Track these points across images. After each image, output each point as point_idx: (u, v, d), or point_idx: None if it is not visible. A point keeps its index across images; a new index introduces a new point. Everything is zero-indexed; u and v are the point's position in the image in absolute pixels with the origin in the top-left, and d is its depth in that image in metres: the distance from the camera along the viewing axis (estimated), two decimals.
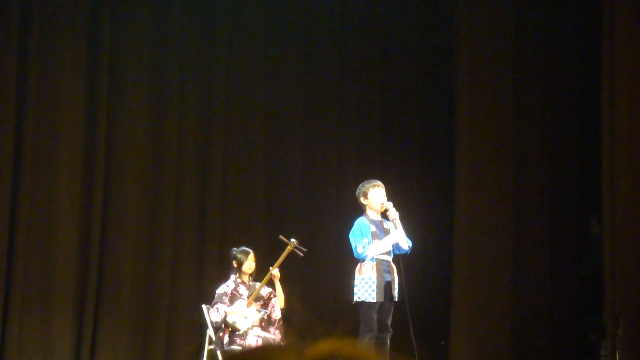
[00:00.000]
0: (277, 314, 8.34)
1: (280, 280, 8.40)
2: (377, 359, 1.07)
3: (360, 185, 7.90)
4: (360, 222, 7.75)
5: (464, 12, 9.84)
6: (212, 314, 8.24)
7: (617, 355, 8.09)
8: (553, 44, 9.89)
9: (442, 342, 9.83)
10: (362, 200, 7.82)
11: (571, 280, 9.70)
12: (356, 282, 7.63)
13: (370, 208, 7.79)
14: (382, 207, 7.74)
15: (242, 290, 8.35)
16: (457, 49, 9.89)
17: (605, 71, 8.57)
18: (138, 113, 10.00)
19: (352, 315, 7.87)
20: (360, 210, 7.91)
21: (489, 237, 9.60)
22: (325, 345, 1.06)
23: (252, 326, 8.18)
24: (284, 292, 8.43)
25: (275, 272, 8.32)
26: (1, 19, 9.48)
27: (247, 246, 8.56)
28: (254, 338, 8.12)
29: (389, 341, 7.61)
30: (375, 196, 7.76)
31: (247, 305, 8.25)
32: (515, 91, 9.79)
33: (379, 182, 7.85)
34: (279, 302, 8.38)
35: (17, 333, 9.34)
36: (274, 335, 8.28)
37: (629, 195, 8.36)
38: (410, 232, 7.83)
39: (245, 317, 8.16)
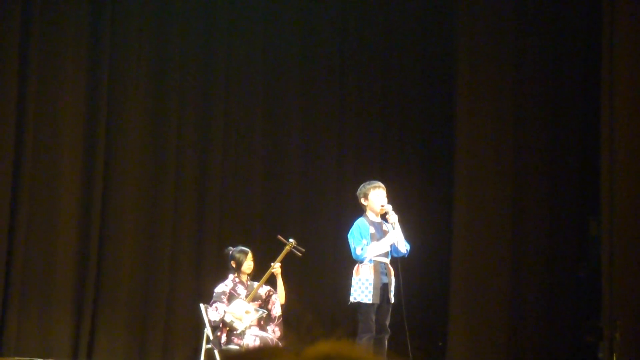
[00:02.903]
0: (277, 311, 8.33)
1: (281, 276, 8.39)
2: (374, 359, 1.07)
3: (361, 186, 7.87)
4: (359, 223, 7.74)
5: (464, 12, 9.85)
6: (211, 313, 8.23)
7: (615, 358, 8.09)
8: (553, 44, 9.89)
9: (440, 343, 9.84)
10: (362, 201, 7.80)
11: (569, 282, 9.71)
12: (353, 282, 7.62)
13: (370, 209, 7.77)
14: (381, 209, 7.73)
15: (240, 289, 8.35)
16: (457, 49, 9.90)
17: (605, 73, 8.56)
18: (138, 112, 10.02)
19: (351, 316, 7.86)
20: (360, 210, 7.89)
21: (487, 239, 9.60)
22: (322, 346, 1.06)
23: (250, 326, 8.18)
24: (285, 288, 8.42)
25: (277, 267, 8.31)
26: (2, 18, 9.49)
27: (244, 246, 8.57)
28: (252, 337, 8.11)
29: (386, 342, 7.61)
30: (375, 198, 7.74)
31: (246, 304, 8.25)
32: (514, 92, 9.79)
33: (380, 184, 7.81)
34: (279, 298, 8.37)
35: (16, 329, 9.35)
36: (274, 332, 8.27)
37: (627, 197, 8.36)
38: (408, 234, 7.82)
39: (241, 320, 8.14)
